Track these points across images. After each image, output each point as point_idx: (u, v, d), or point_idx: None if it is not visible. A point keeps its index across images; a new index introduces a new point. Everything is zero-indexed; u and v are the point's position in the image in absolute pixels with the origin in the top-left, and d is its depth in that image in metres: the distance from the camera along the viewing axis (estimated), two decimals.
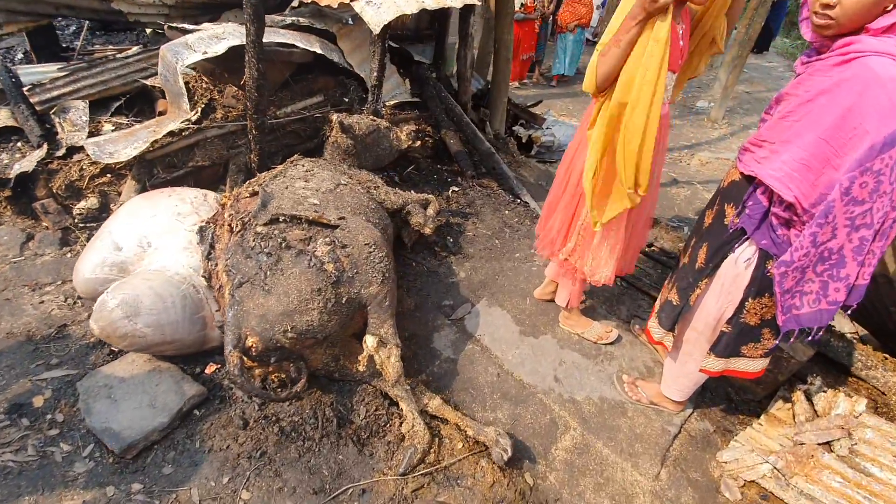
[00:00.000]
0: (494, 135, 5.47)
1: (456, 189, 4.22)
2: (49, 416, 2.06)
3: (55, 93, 3.12)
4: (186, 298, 2.20)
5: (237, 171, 3.16)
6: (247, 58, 2.67)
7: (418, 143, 3.76)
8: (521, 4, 9.45)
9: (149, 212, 2.42)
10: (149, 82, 3.28)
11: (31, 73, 3.39)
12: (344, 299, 2.18)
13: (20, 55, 4.12)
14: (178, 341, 2.18)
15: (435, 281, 3.29)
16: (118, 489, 1.91)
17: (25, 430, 2.01)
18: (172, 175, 3.00)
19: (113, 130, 3.09)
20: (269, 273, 2.07)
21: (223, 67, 3.23)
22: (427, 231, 3.22)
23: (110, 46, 4.84)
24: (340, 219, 2.38)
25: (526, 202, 4.28)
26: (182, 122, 2.89)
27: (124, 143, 2.85)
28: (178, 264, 2.27)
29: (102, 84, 3.26)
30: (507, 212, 4.14)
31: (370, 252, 2.30)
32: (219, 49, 2.89)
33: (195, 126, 3.04)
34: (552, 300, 3.11)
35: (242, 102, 3.28)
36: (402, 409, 2.27)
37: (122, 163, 2.84)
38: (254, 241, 2.15)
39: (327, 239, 2.24)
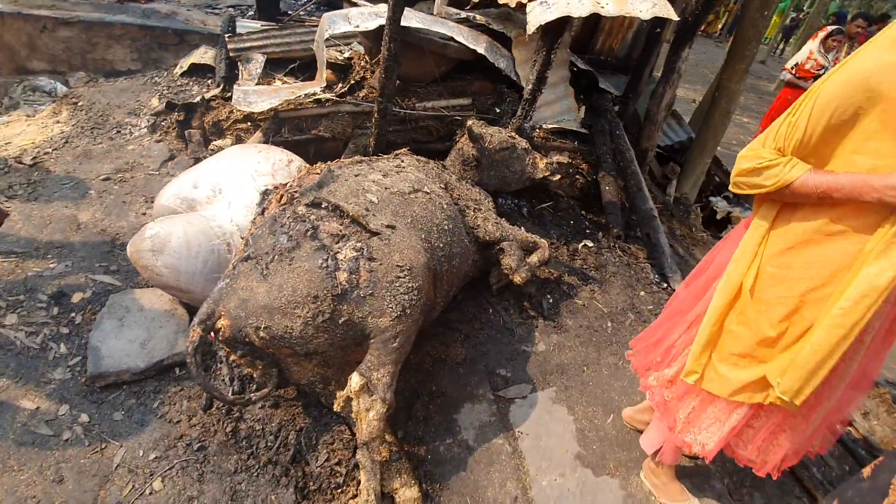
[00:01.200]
0: (676, 198, 4.42)
1: (590, 245, 3.44)
2: (72, 315, 2.17)
3: (247, 44, 3.46)
4: (213, 254, 2.08)
5: (354, 150, 3.05)
6: (384, 38, 2.47)
7: (558, 177, 3.14)
8: (795, 65, 7.32)
9: (234, 161, 2.40)
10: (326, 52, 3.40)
11: (245, 25, 3.84)
12: (341, 320, 1.78)
13: (251, 12, 4.90)
14: (190, 292, 2.08)
15: (504, 340, 2.65)
16: (70, 412, 1.87)
17: (49, 318, 2.14)
18: (295, 138, 3.02)
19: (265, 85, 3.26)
20: (277, 257, 1.79)
21: (379, 48, 3.14)
22: (516, 280, 2.61)
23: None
24: (388, 227, 1.98)
25: (673, 289, 3.24)
26: (314, 90, 2.86)
27: (266, 97, 2.95)
28: (227, 219, 2.17)
29: (286, 45, 3.51)
30: (642, 293, 3.19)
31: (398, 277, 1.85)
32: (370, 25, 2.77)
33: (334, 98, 3.00)
34: (642, 431, 2.18)
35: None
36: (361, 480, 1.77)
37: (256, 113, 2.95)
38: (286, 218, 1.91)
39: (357, 244, 1.86)
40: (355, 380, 1.79)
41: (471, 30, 3.26)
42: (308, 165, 2.55)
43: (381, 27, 2.88)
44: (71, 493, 1.66)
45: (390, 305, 1.81)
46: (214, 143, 3.07)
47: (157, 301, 2.20)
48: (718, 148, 5.00)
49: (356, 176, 2.19)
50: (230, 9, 4.81)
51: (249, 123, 3.13)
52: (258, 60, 3.41)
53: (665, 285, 3.26)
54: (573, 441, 2.22)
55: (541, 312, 2.86)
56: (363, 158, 2.41)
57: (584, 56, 4.79)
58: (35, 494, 1.62)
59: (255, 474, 1.84)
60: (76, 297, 2.23)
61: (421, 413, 2.20)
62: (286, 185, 2.22)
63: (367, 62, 3.22)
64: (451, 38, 3.02)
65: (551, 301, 2.95)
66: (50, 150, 3.09)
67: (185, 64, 3.70)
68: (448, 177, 2.75)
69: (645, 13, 2.33)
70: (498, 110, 3.44)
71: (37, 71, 3.74)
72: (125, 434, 1.85)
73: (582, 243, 3.45)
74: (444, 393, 2.32)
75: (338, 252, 1.83)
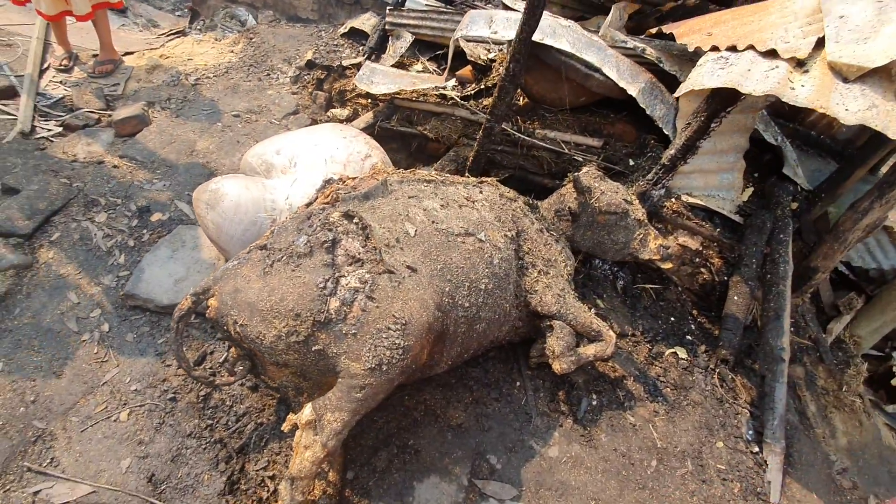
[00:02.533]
0: (839, 340, 3.35)
1: (681, 355, 2.79)
2: (144, 231, 2.42)
3: (403, 21, 3.42)
4: (254, 225, 2.10)
5: (453, 159, 2.85)
6: (510, 53, 2.18)
7: (669, 265, 2.55)
8: None
9: (318, 141, 2.38)
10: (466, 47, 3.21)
11: (417, 2, 3.81)
12: (315, 347, 1.65)
13: None
14: (227, 252, 2.15)
15: (514, 424, 2.30)
16: (99, 317, 2.09)
17: (127, 227, 2.41)
18: (401, 128, 2.93)
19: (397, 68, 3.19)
20: (285, 258, 1.72)
21: (529, 63, 2.84)
22: (555, 367, 2.22)
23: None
24: (408, 267, 1.76)
25: (764, 461, 2.47)
26: (434, 85, 2.70)
27: (388, 80, 2.89)
28: (284, 195, 2.18)
29: (439, 30, 3.38)
30: (719, 444, 2.49)
31: (389, 328, 1.64)
32: (507, 35, 2.48)
33: (457, 98, 2.83)
34: None
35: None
36: None
37: (373, 94, 2.92)
38: (316, 221, 1.82)
39: (366, 275, 1.69)
40: (306, 412, 1.67)
41: (633, 63, 2.74)
42: (384, 166, 2.43)
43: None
44: (60, 390, 1.86)
45: (368, 354, 1.63)
46: (332, 110, 3.13)
47: (208, 248, 2.32)
48: None
49: (410, 197, 1.99)
50: None
51: (369, 100, 3.11)
52: (406, 39, 3.36)
53: (756, 450, 2.50)
54: None
55: (574, 411, 2.41)
56: (435, 178, 2.20)
57: (790, 124, 3.80)
58: (36, 379, 1.85)
59: (203, 446, 1.87)
60: (155, 217, 2.47)
61: (382, 464, 2.01)
62: (344, 181, 2.13)
63: None
64: (599, 70, 2.56)
65: (595, 403, 2.47)
66: (212, 75, 3.47)
67: (348, 25, 3.82)
68: (528, 223, 2.40)
69: (850, 117, 1.63)
70: (632, 163, 2.90)
71: (239, 1, 4.24)
72: (127, 355, 2.01)
73: (672, 349, 2.81)
74: (418, 452, 2.10)
75: (343, 276, 1.69)
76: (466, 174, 2.74)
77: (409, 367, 1.69)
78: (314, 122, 3.19)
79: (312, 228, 1.80)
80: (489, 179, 2.46)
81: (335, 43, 3.75)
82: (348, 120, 3.13)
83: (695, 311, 3.05)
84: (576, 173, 2.43)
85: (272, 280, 1.68)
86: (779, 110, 3.89)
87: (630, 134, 2.94)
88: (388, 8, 3.48)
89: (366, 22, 3.80)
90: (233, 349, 1.87)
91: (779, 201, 3.02)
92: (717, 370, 2.77)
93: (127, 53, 3.75)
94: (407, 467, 2.04)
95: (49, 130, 2.93)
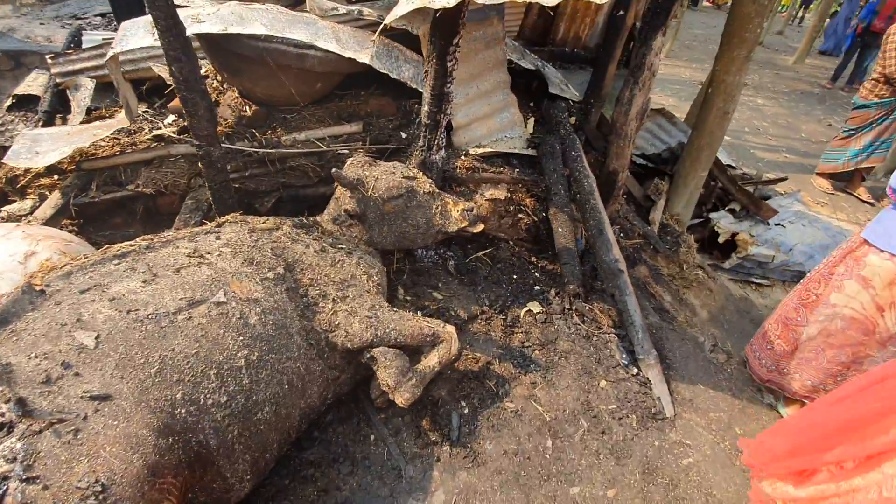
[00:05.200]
0: (664, 225, 3.48)
1: (536, 310, 2.56)
2: None
3: (77, 66, 2.64)
4: None
5: (194, 208, 2.22)
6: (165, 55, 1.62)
7: (480, 227, 2.26)
8: None
9: None
10: (157, 69, 2.56)
11: (92, 39, 3.03)
12: None
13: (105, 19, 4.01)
14: None
15: (382, 491, 1.81)
16: None
17: None
18: (108, 196, 2.20)
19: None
20: None
21: (221, 64, 2.30)
22: (399, 401, 1.78)
23: None
24: (93, 399, 1.15)
25: (646, 378, 2.35)
26: (117, 128, 2.02)
27: (60, 143, 2.13)
28: None
29: (130, 64, 2.66)
30: (602, 383, 2.31)
31: None
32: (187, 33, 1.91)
33: (171, 135, 2.18)
34: None
35: (236, 113, 2.31)
36: None
37: (42, 169, 2.14)
38: None
39: (18, 444, 1.04)
40: None
41: (356, 29, 2.37)
42: (67, 255, 1.73)
43: (209, 35, 2.03)
44: None
45: None
46: (6, 207, 2.27)
47: None
48: (721, 149, 4.03)
49: (83, 292, 1.35)
50: (93, 18, 3.98)
51: (56, 177, 2.31)
52: (87, 87, 2.59)
53: (636, 371, 2.37)
54: None
55: (448, 433, 2.00)
56: (134, 246, 1.58)
57: (545, 48, 3.85)
58: None
59: None
60: None
61: None
62: None
63: (219, 82, 2.37)
64: (313, 46, 2.14)
65: (467, 411, 2.09)
66: None
67: (12, 95, 2.90)
68: (302, 249, 1.90)
69: None
70: (404, 135, 2.56)
71: None
72: None
73: (526, 308, 2.57)
74: None
75: None
76: (221, 216, 2.15)
77: None
78: None
79: None
80: (230, 217, 1.90)
81: (1, 122, 2.82)
82: (34, 209, 2.30)
83: (534, 259, 2.87)
84: (334, 170, 1.99)
85: None
86: (531, 38, 3.93)
87: (389, 106, 2.60)
88: (48, 57, 2.66)
89: (33, 83, 2.91)
90: None
91: (558, 121, 2.95)
92: (574, 307, 2.60)
93: None
94: None
95: None
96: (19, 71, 3.12)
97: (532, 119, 3.07)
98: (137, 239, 1.66)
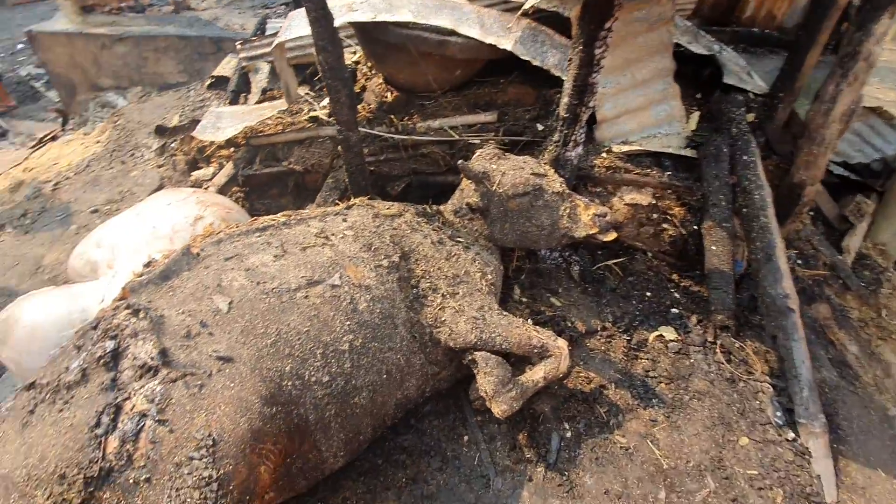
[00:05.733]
0: (862, 256, 2.74)
1: (670, 337, 2.23)
2: None
3: (254, 52, 3.00)
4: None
5: (333, 186, 2.38)
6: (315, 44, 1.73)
7: (612, 235, 2.01)
8: None
9: (141, 216, 1.95)
10: None
11: (274, 26, 3.42)
12: None
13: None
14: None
15: (465, 496, 1.76)
16: None
17: None
18: (267, 170, 2.48)
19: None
20: (50, 396, 1.25)
21: (371, 49, 2.39)
22: (495, 411, 1.70)
23: None
24: (219, 359, 1.28)
25: (805, 447, 1.88)
26: (278, 111, 2.26)
27: (235, 121, 2.45)
28: (98, 299, 1.73)
29: (299, 49, 2.95)
30: (743, 441, 1.91)
31: (192, 459, 1.15)
32: (340, 21, 2.02)
33: (323, 118, 2.39)
34: None
35: (378, 99, 2.40)
36: None
37: (222, 142, 2.49)
38: (97, 329, 1.35)
39: (158, 388, 1.21)
40: None
41: (502, 13, 2.26)
42: (228, 222, 1.97)
43: (361, 24, 2.12)
44: None
45: None
46: (195, 172, 2.70)
47: None
48: None
49: (228, 259, 1.51)
50: (278, 7, 4.47)
51: (232, 150, 2.67)
52: (263, 71, 2.94)
53: (791, 436, 1.91)
54: None
55: (544, 454, 1.86)
56: (275, 221, 1.73)
57: (727, 28, 3.26)
58: None
59: None
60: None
61: None
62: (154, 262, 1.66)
63: (368, 67, 2.49)
64: (454, 33, 2.09)
65: (569, 434, 1.92)
66: (72, 174, 3.09)
67: (211, 76, 3.43)
68: (419, 239, 1.90)
69: None
70: (541, 127, 2.39)
71: (105, 87, 3.91)
72: None
73: (656, 332, 2.25)
74: None
75: (128, 398, 1.21)
76: (356, 196, 2.28)
77: (241, 500, 1.19)
78: None
79: (92, 342, 1.33)
80: (358, 200, 1.98)
81: (201, 98, 3.36)
82: (215, 175, 2.69)
83: (674, 276, 2.49)
84: (460, 161, 1.93)
85: (32, 433, 1.21)
86: (710, 17, 3.36)
87: (528, 95, 2.44)
88: (237, 43, 3.07)
89: (226, 66, 3.40)
90: None
91: (731, 118, 2.47)
92: (718, 342, 2.20)
93: None
94: None
95: None
96: (219, 55, 3.69)
97: (696, 114, 2.63)
98: (278, 215, 1.82)
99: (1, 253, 2.57)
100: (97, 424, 1.18)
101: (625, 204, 2.39)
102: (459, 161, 1.91)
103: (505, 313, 1.85)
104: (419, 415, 1.96)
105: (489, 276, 1.97)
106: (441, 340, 1.74)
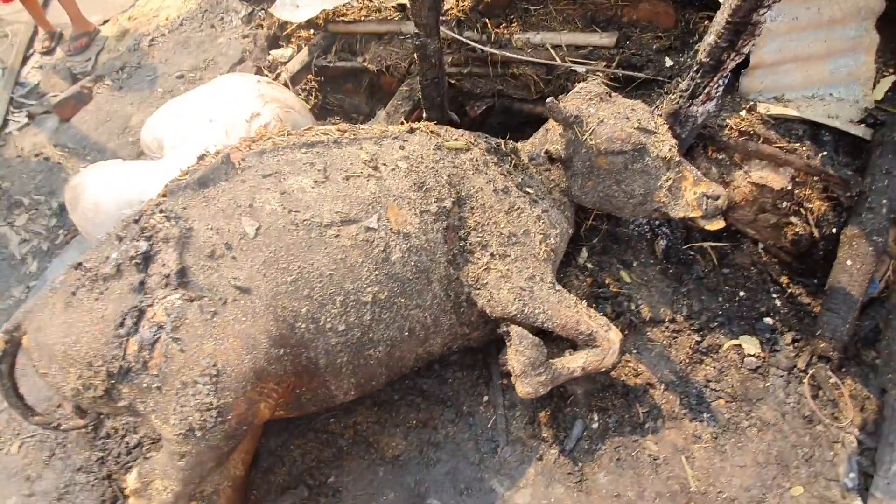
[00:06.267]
0: None
1: (751, 351, 1.90)
2: (60, 232, 2.20)
3: None
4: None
5: (406, 96, 2.14)
6: None
7: (719, 224, 1.63)
8: None
9: (208, 100, 1.89)
10: None
11: None
12: (120, 402, 1.26)
13: None
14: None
15: (472, 457, 1.75)
16: None
17: (45, 229, 2.20)
18: (340, 64, 2.28)
19: None
20: (90, 283, 1.31)
21: None
22: (518, 390, 1.58)
23: None
24: (237, 288, 1.23)
25: None
26: None
27: (318, 2, 2.21)
28: (158, 180, 1.74)
29: None
30: (798, 489, 1.67)
31: (195, 382, 1.17)
32: None
33: (398, 14, 2.11)
34: None
35: None
36: None
37: (302, 22, 2.29)
38: (137, 226, 1.35)
39: (178, 302, 1.21)
40: (132, 478, 1.32)
41: None
42: (285, 125, 1.83)
43: None
44: None
45: (175, 417, 1.19)
46: (274, 51, 2.55)
47: None
48: None
49: (266, 176, 1.40)
50: None
51: (312, 31, 2.46)
52: None
53: (859, 502, 1.61)
54: None
55: (562, 438, 1.75)
56: (327, 136, 1.56)
57: None
58: None
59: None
60: None
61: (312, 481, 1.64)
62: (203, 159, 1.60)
63: None
64: None
65: (595, 426, 1.77)
66: (166, 31, 3.07)
67: None
68: (482, 183, 1.67)
69: None
70: (670, 63, 1.89)
71: None
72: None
73: (734, 341, 1.92)
74: (338, 492, 1.68)
75: (151, 305, 1.23)
76: (428, 112, 2.03)
77: (238, 429, 1.22)
78: (258, 70, 2.65)
79: (130, 237, 1.34)
80: (423, 125, 1.74)
81: None
82: (292, 56, 2.53)
83: (783, 280, 2.05)
84: (550, 99, 1.58)
85: (72, 314, 1.29)
86: None
87: (666, 16, 1.90)
88: None
89: None
90: None
91: None
92: (810, 371, 1.84)
93: (106, 21, 3.51)
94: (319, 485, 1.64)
95: (18, 123, 2.83)
96: None
97: (889, 80, 1.92)
98: (334, 128, 1.65)
99: (96, 106, 2.70)
100: (121, 324, 1.21)
101: (748, 182, 1.90)
102: (549, 99, 1.56)
103: (558, 288, 1.63)
104: (444, 362, 1.90)
105: (552, 241, 1.72)
106: (478, 304, 1.58)
